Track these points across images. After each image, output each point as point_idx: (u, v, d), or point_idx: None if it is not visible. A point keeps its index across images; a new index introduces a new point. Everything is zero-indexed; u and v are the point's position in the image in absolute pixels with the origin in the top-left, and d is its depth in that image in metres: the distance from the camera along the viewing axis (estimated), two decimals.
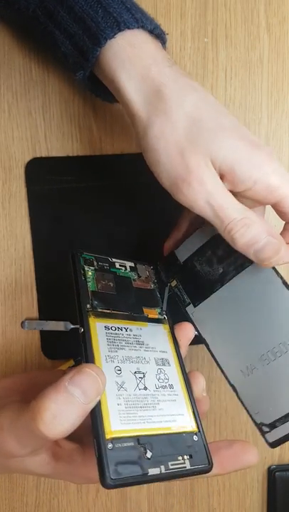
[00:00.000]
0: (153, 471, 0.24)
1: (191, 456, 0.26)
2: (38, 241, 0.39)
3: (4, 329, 0.40)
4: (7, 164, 0.38)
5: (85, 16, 0.30)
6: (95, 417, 0.24)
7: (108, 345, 0.28)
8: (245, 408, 0.30)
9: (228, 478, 0.44)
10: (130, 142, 0.39)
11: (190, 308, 0.34)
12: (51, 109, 0.38)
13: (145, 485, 0.43)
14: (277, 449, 0.44)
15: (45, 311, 0.40)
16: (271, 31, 0.39)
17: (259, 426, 0.29)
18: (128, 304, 0.32)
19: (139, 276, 0.34)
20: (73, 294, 0.30)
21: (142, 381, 0.28)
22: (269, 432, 0.28)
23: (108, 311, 0.30)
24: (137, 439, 0.25)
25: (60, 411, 0.22)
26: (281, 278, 0.29)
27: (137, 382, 0.28)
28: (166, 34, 0.33)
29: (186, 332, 0.33)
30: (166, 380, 0.29)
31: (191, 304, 0.34)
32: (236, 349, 0.31)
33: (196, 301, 0.33)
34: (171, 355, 0.31)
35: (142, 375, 0.28)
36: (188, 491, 0.43)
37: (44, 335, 0.40)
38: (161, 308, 0.33)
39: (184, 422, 0.28)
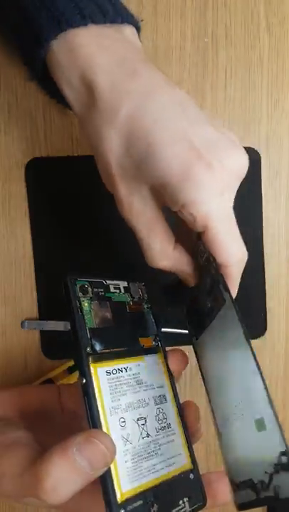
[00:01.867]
0: None
1: (189, 498, 0.26)
2: (38, 241, 0.39)
3: (4, 329, 0.40)
4: (7, 164, 0.38)
5: (32, 14, 0.27)
6: (105, 484, 0.24)
7: (111, 394, 0.26)
8: (223, 457, 0.26)
9: None
10: None
11: (194, 341, 0.31)
12: (51, 109, 0.38)
13: None
14: None
15: (45, 311, 0.40)
16: (271, 31, 0.39)
17: (230, 480, 0.24)
18: (125, 337, 0.29)
19: (133, 298, 0.31)
20: (71, 333, 0.27)
21: (145, 428, 0.27)
22: (237, 491, 0.24)
23: (108, 351, 0.28)
24: (145, 495, 0.25)
25: (63, 479, 0.21)
26: (242, 326, 0.25)
27: (140, 430, 0.27)
28: (139, 21, 0.29)
29: (178, 363, 0.31)
30: (164, 420, 0.28)
31: (194, 336, 0.31)
32: (220, 395, 0.27)
33: (197, 334, 0.31)
34: (166, 389, 0.30)
35: (143, 421, 0.27)
36: None
37: (44, 335, 0.40)
38: (155, 334, 0.31)
39: (182, 461, 0.28)
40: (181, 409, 0.29)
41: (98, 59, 0.26)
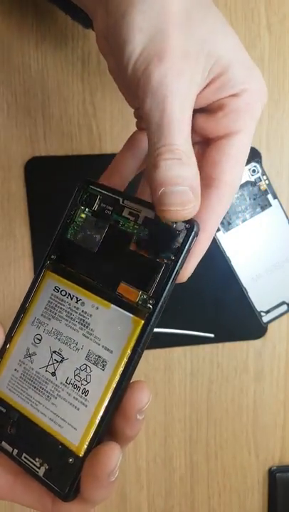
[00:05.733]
0: (5, 446, 0.24)
1: (50, 470, 0.23)
2: (37, 240, 0.39)
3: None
4: (6, 163, 0.38)
5: None
6: None
7: (45, 308, 0.25)
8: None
9: (228, 479, 0.44)
10: None
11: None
12: (50, 108, 0.38)
13: (145, 487, 0.42)
14: (278, 450, 0.44)
15: None
16: (272, 30, 0.39)
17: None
18: (102, 271, 0.24)
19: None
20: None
21: (55, 366, 0.24)
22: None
23: (70, 272, 0.24)
24: (11, 409, 0.24)
25: None
26: None
27: (48, 362, 0.24)
28: None
29: (137, 400, 0.22)
30: (84, 382, 0.23)
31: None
32: None
33: None
34: (114, 360, 0.23)
35: (59, 359, 0.24)
36: (189, 493, 0.43)
37: None
38: (150, 296, 0.23)
39: (71, 437, 0.23)
40: (120, 399, 0.22)
41: None
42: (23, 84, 0.38)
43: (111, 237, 0.24)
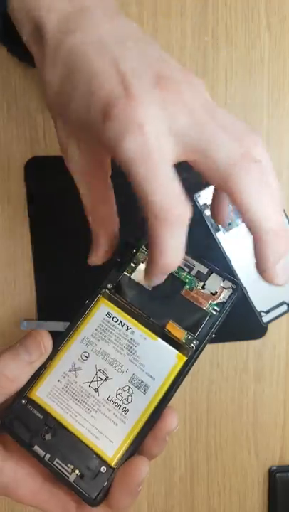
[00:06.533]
0: (37, 450, 0.25)
1: (81, 476, 0.25)
2: (37, 241, 0.39)
3: (3, 329, 0.40)
4: (6, 163, 0.38)
5: None
6: (33, 375, 0.26)
7: (96, 330, 0.27)
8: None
9: (228, 479, 0.44)
10: None
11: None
12: None
13: (145, 486, 0.42)
14: (278, 450, 0.44)
15: (45, 312, 0.39)
16: (272, 30, 0.39)
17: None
18: (153, 308, 0.27)
19: (202, 288, 0.27)
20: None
21: (99, 383, 0.26)
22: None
23: (124, 303, 0.27)
24: (48, 416, 0.25)
25: (7, 365, 0.25)
26: None
27: (93, 379, 0.26)
28: None
29: (168, 424, 0.25)
30: (125, 402, 0.25)
31: None
32: None
33: None
34: (155, 387, 0.26)
35: (103, 377, 0.26)
36: (189, 492, 0.43)
37: None
38: (194, 338, 0.26)
39: (106, 448, 0.25)
40: (153, 422, 0.25)
41: None
42: (23, 84, 0.38)
43: (166, 280, 0.26)
